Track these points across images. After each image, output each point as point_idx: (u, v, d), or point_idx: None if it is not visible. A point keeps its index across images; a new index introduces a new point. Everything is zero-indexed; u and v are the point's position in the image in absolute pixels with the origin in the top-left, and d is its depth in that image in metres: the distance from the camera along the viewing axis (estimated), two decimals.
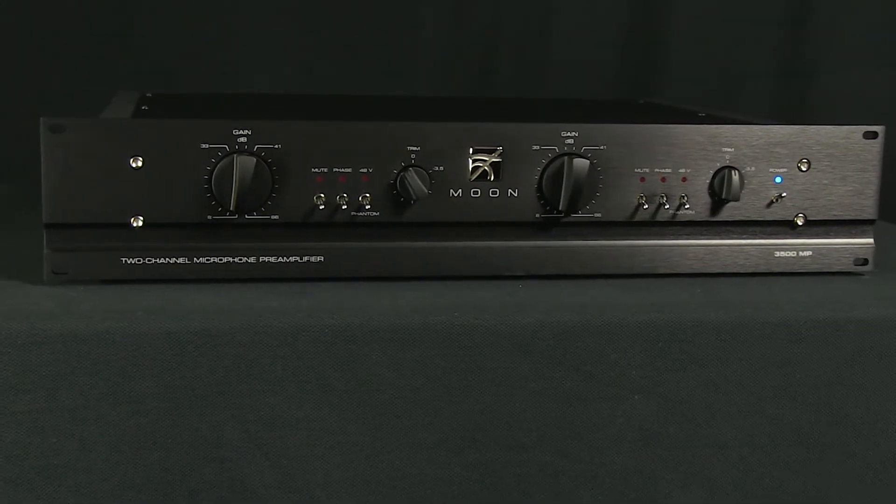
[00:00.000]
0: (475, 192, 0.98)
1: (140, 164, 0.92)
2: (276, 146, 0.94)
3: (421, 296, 0.94)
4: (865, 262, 1.05)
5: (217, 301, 0.90)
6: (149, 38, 1.61)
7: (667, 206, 1.01)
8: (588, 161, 0.97)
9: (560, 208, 0.98)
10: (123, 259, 0.94)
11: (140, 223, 0.93)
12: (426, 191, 0.96)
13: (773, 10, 1.73)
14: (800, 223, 1.03)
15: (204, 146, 0.93)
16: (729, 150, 1.01)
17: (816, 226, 1.04)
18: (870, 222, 1.05)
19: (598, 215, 1.00)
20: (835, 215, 1.04)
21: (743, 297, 0.97)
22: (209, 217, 0.94)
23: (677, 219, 1.01)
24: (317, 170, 0.95)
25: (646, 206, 1.00)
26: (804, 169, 1.03)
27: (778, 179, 1.02)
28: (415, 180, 0.95)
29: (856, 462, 0.96)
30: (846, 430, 0.96)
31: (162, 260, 0.94)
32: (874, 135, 1.03)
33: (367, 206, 0.96)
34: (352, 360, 0.89)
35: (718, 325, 0.93)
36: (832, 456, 0.96)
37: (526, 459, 0.92)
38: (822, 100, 1.73)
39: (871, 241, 1.05)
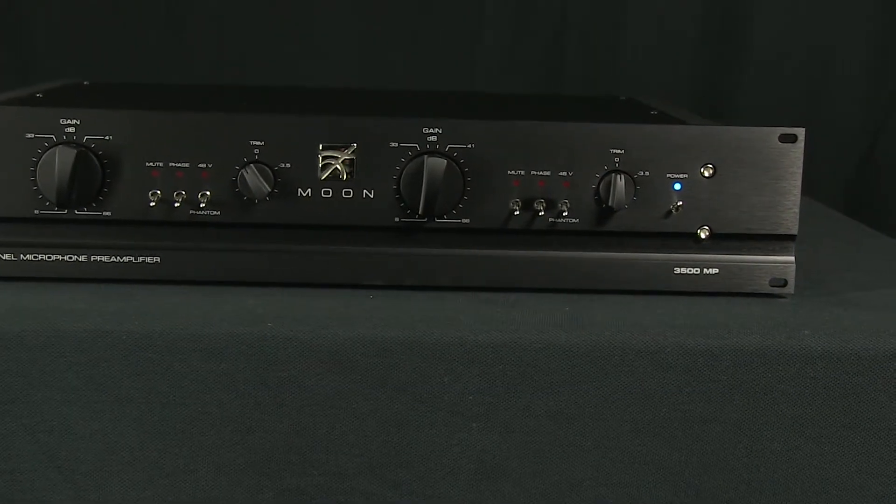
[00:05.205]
0: (326, 193, 0.90)
1: None
2: (107, 138, 0.88)
3: (247, 303, 0.86)
4: (784, 282, 0.92)
5: (20, 301, 0.84)
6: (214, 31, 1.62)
7: (543, 213, 0.90)
8: (445, 160, 0.88)
9: (419, 212, 0.89)
10: None
11: None
12: (266, 189, 0.88)
13: (861, 6, 1.60)
14: (703, 237, 0.91)
15: (29, 136, 0.88)
16: (618, 151, 0.90)
17: (726, 240, 0.92)
18: (790, 238, 0.92)
19: (466, 221, 0.90)
20: (747, 229, 0.91)
21: (611, 318, 0.86)
22: (36, 211, 0.89)
23: (557, 228, 0.91)
24: (152, 164, 0.89)
25: (518, 213, 0.90)
26: (707, 175, 0.91)
27: (677, 186, 0.91)
28: (254, 178, 0.88)
29: None
30: (722, 473, 0.84)
31: None
32: (793, 138, 0.90)
33: (204, 205, 0.89)
34: (151, 371, 0.82)
35: (569, 349, 0.82)
36: (706, 501, 0.84)
37: (349, 488, 0.83)
38: None
39: (790, 258, 0.92)
